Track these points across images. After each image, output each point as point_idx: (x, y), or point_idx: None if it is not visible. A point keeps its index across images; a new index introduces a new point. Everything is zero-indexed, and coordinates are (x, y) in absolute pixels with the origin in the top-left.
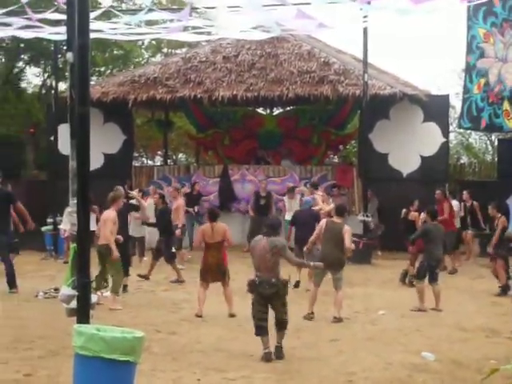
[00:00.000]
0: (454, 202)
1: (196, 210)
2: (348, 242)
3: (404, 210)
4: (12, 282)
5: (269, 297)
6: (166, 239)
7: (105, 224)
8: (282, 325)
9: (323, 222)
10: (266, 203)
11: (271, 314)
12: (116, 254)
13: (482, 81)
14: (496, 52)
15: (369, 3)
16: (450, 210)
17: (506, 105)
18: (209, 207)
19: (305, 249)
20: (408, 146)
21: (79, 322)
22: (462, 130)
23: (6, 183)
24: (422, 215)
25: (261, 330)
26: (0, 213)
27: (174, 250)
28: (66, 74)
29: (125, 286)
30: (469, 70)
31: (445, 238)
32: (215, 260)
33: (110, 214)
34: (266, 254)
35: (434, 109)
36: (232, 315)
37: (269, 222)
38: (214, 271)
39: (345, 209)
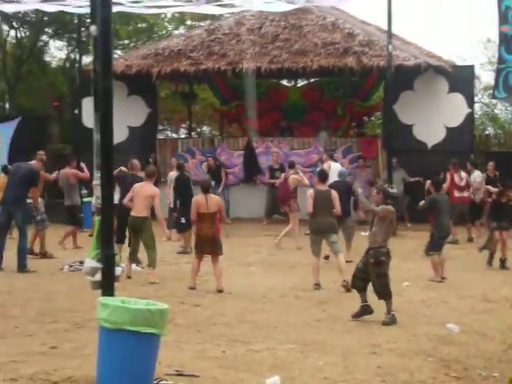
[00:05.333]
0: (477, 173)
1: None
2: (337, 206)
3: (428, 182)
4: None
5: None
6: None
7: (147, 198)
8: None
9: (311, 191)
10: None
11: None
12: (165, 231)
13: None
14: None
15: None
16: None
17: None
18: (201, 180)
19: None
20: (433, 117)
21: (104, 294)
22: (487, 101)
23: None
24: (427, 185)
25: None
26: (19, 187)
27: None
28: (90, 47)
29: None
30: (505, 40)
31: (451, 208)
32: (210, 232)
33: (155, 189)
34: None
35: (459, 79)
36: (220, 291)
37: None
38: (209, 243)
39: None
